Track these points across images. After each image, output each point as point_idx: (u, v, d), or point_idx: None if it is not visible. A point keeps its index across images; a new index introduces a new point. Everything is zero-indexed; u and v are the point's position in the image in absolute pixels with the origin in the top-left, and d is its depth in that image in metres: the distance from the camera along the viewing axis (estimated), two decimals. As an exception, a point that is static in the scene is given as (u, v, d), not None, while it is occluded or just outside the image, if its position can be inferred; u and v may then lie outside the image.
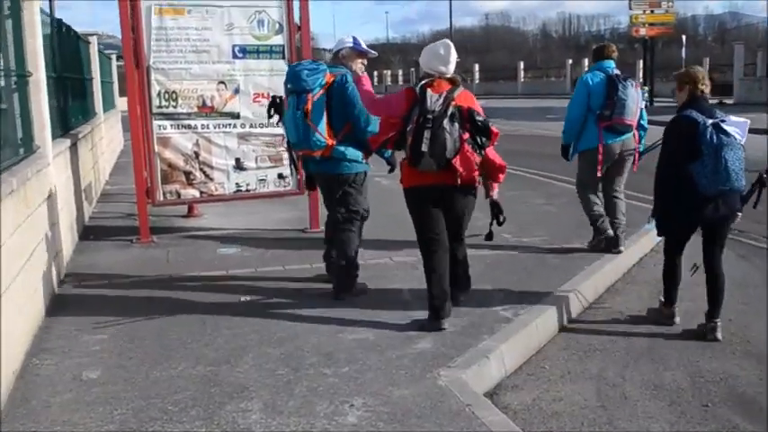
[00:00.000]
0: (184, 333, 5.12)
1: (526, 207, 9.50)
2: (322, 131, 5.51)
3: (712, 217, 5.11)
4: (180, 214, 9.31)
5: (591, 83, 6.90)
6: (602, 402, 4.37)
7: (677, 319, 5.55)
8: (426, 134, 4.71)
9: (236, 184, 8.17)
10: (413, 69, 64.09)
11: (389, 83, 68.93)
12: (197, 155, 8.02)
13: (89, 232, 8.49)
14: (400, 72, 74.17)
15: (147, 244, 7.86)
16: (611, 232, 7.06)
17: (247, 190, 8.21)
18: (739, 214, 5.23)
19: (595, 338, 5.36)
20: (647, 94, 6.95)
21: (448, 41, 5.12)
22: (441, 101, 4.79)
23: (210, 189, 8.12)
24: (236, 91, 8.04)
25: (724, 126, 4.92)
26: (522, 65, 56.45)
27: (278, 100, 5.93)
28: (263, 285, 6.22)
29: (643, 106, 6.98)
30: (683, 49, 39.24)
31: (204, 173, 8.07)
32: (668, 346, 5.19)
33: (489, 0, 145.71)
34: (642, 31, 28.34)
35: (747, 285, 6.55)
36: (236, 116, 8.07)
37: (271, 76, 8.09)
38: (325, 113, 5.52)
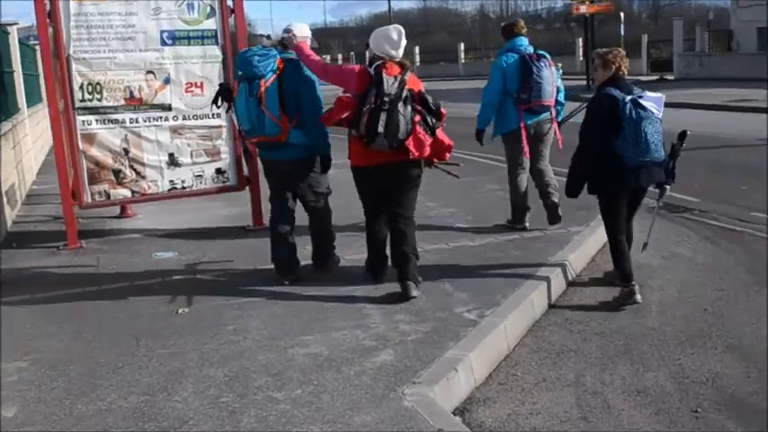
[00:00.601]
0: (115, 355, 4.56)
1: (480, 194, 9.09)
2: (277, 117, 5.53)
3: (635, 187, 5.42)
4: (112, 215, 8.65)
5: (505, 65, 6.87)
6: (584, 413, 3.97)
7: (638, 296, 5.49)
8: (383, 116, 4.91)
9: (171, 181, 7.55)
10: (353, 53, 63.46)
11: (330, 68, 67.87)
12: (126, 151, 7.37)
13: (11, 239, 7.79)
14: (340, 56, 73.30)
15: (75, 250, 7.21)
16: (528, 224, 7.15)
17: (183, 187, 7.61)
18: (667, 188, 5.64)
19: (568, 337, 4.97)
20: (561, 71, 7.14)
21: (399, 26, 5.27)
22: (396, 84, 4.99)
23: (143, 188, 7.48)
24: (167, 81, 7.40)
25: (642, 101, 5.20)
26: (462, 46, 56.14)
27: (226, 86, 5.89)
28: (203, 294, 5.66)
29: (559, 84, 7.02)
30: (622, 26, 39.47)
31: (135, 171, 7.43)
32: (645, 342, 4.83)
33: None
34: (582, 9, 28.14)
35: (719, 270, 6.25)
36: (168, 108, 7.44)
37: (203, 64, 7.49)
38: (278, 99, 5.52)
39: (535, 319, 5.26)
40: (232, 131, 7.61)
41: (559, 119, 7.21)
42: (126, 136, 7.35)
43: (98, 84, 7.22)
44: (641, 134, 5.14)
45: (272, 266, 6.00)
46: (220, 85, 5.96)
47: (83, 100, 7.19)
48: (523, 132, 6.94)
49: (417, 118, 5.03)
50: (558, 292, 5.75)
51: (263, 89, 5.48)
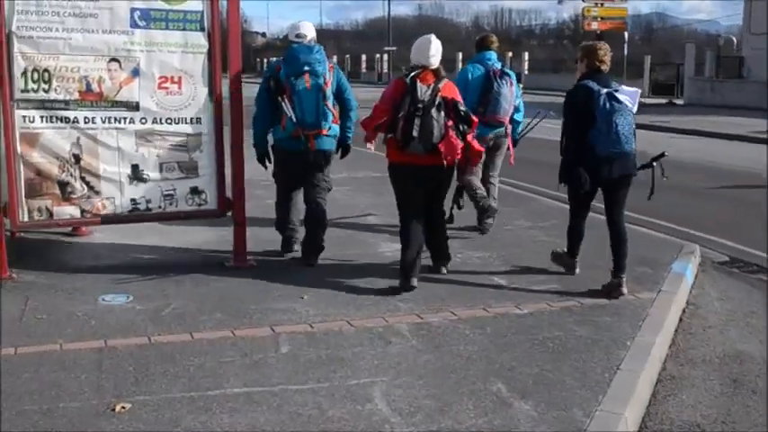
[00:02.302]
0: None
1: (510, 233, 7.52)
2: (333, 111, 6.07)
3: (608, 177, 5.51)
4: (61, 230, 6.98)
5: (470, 77, 7.01)
6: None
7: (577, 270, 6.02)
8: (417, 121, 5.28)
9: (133, 200, 5.92)
10: (348, 56, 62.04)
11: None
12: (77, 159, 5.73)
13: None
14: (335, 58, 71.72)
15: (2, 282, 5.57)
16: (492, 205, 7.23)
17: (148, 208, 5.97)
18: (634, 176, 5.66)
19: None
20: (521, 91, 7.33)
21: (431, 37, 5.60)
22: (429, 92, 5.37)
23: (96, 206, 5.84)
24: (135, 72, 5.78)
25: (617, 95, 5.38)
26: (460, 56, 54.74)
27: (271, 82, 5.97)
28: (156, 378, 4.03)
29: (517, 103, 7.16)
30: (626, 46, 38.28)
31: (87, 184, 5.79)
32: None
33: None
34: (594, 25, 26.82)
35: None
36: (135, 107, 5.81)
37: (183, 54, 5.87)
38: (332, 94, 6.05)
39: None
40: (215, 140, 6.01)
41: (515, 136, 7.43)
42: (78, 139, 5.72)
43: (46, 71, 5.59)
44: (612, 125, 5.32)
45: (256, 332, 4.44)
46: (268, 78, 6.02)
47: (25, 90, 5.57)
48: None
49: (450, 123, 5.40)
50: (645, 395, 4.19)
51: (328, 85, 5.89)
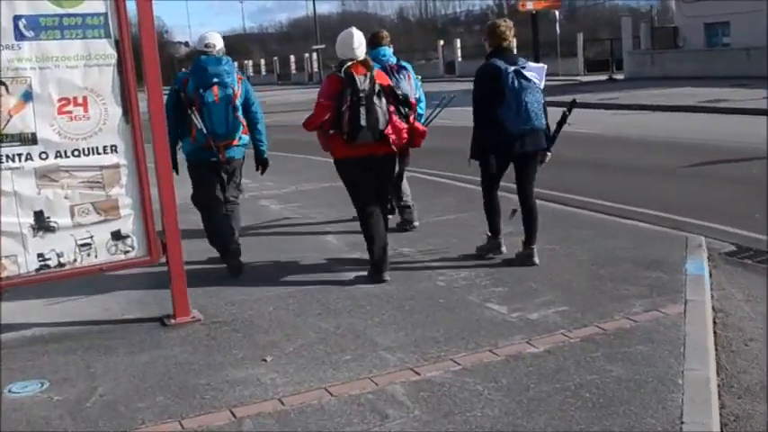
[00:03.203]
0: None
1: (480, 236, 6.56)
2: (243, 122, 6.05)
3: (519, 153, 5.68)
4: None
5: None
6: None
7: (503, 249, 6.04)
8: (362, 110, 5.39)
9: (41, 255, 4.73)
10: (276, 58, 60.62)
11: (251, 73, 64.70)
12: (-36, 211, 4.57)
13: None
14: (262, 62, 70.12)
15: None
16: (416, 223, 7.30)
17: (60, 264, 4.79)
18: (548, 154, 5.83)
19: None
20: (420, 83, 6.94)
21: (352, 30, 5.67)
22: (367, 81, 5.48)
23: (-6, 267, 4.68)
24: (27, 96, 4.60)
25: (524, 72, 5.54)
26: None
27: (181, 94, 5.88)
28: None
29: (420, 94, 7.07)
30: (557, 24, 37.89)
31: (-20, 241, 4.63)
32: None
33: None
34: (529, 5, 26.07)
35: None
36: (31, 140, 4.63)
37: (87, 68, 4.71)
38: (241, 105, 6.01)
39: None
40: (136, 170, 4.90)
41: (423, 120, 7.28)
42: (-38, 185, 4.55)
43: None
44: (522, 103, 5.49)
45: (211, 420, 3.40)
46: (175, 91, 5.94)
47: None
48: None
49: (392, 108, 5.52)
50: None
51: (237, 96, 5.91)
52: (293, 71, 61.23)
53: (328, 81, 5.58)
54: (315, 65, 55.82)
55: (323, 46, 52.58)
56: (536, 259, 5.77)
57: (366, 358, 4.20)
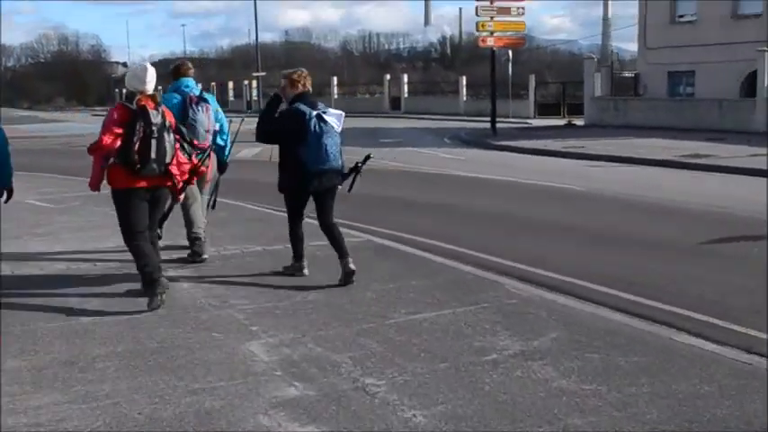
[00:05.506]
0: None
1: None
2: None
3: (317, 189, 6.36)
4: None
5: (169, 106, 6.61)
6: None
7: (306, 271, 6.62)
8: (153, 143, 5.59)
9: None
10: (213, 83, 57.83)
11: (187, 97, 61.45)
12: None
13: None
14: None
15: None
16: (206, 256, 7.26)
17: None
18: (339, 187, 6.49)
19: None
20: (222, 114, 7.24)
21: (146, 64, 5.98)
22: (159, 115, 5.69)
23: None
24: None
25: (325, 116, 6.16)
26: (335, 80, 51.49)
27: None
28: None
29: (218, 127, 7.18)
30: (509, 64, 36.14)
31: None
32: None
33: (290, 13, 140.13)
34: (490, 41, 24.05)
35: None
36: None
37: None
38: None
39: None
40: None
41: (224, 159, 7.48)
42: None
43: None
44: (322, 145, 6.09)
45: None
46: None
47: None
48: None
49: (177, 145, 5.83)
50: None
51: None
52: (231, 98, 58.37)
53: (118, 110, 5.68)
54: (254, 92, 53.11)
55: (263, 73, 50.12)
56: (352, 266, 6.30)
57: None
